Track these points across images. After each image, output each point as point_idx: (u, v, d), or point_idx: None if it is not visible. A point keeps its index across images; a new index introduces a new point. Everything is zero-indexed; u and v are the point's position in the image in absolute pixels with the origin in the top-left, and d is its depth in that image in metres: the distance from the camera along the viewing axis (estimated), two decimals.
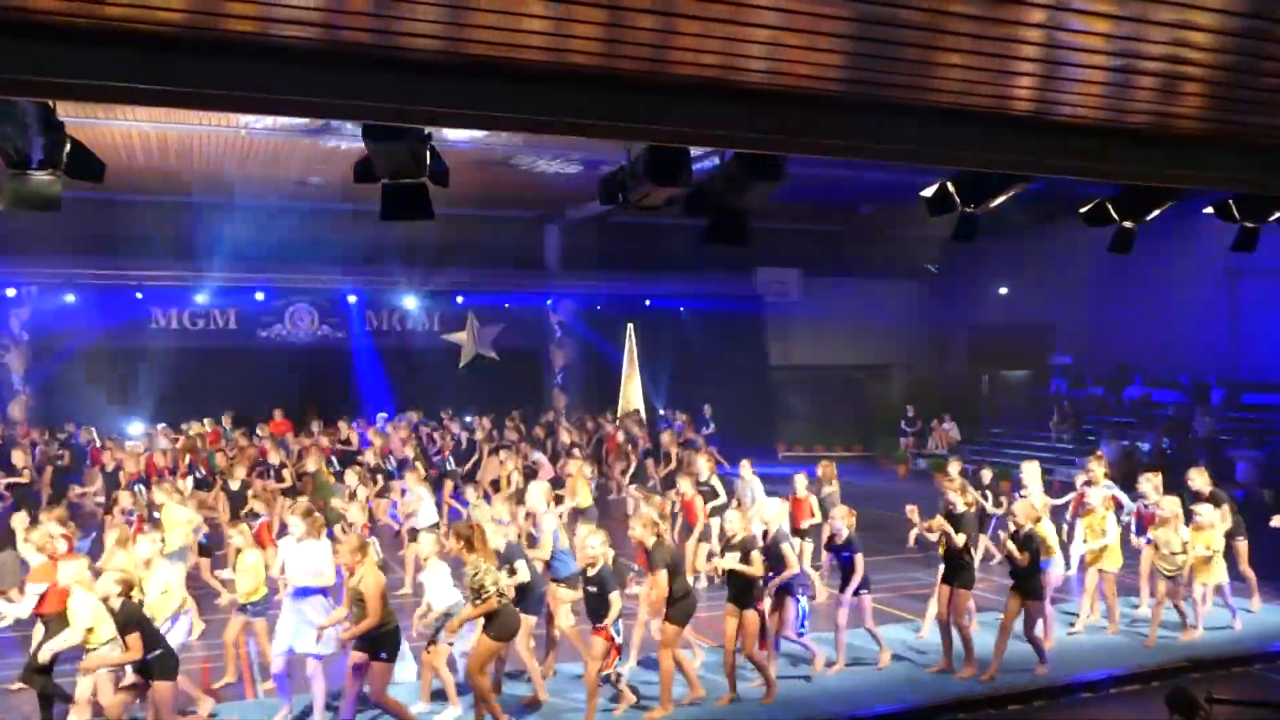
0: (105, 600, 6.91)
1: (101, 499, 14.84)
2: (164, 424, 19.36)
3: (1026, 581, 9.05)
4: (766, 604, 8.64)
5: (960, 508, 9.37)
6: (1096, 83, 6.91)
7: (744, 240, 8.29)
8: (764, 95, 6.85)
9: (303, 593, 8.14)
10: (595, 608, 7.90)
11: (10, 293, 21.25)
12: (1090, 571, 10.74)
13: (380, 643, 7.47)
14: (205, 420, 19.48)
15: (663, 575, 8.04)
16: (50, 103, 6.58)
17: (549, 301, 25.69)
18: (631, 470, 19.21)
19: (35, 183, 7.01)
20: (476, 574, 7.61)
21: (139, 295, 21.81)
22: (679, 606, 8.12)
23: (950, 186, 8.95)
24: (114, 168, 8.59)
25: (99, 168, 7.31)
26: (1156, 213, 9.41)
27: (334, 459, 15.78)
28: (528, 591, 8.53)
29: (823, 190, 21.17)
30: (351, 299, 23.69)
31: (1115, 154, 8.09)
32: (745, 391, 25.94)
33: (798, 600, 9.02)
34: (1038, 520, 9.40)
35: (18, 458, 15.32)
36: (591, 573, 7.91)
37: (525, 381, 25.41)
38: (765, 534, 9.02)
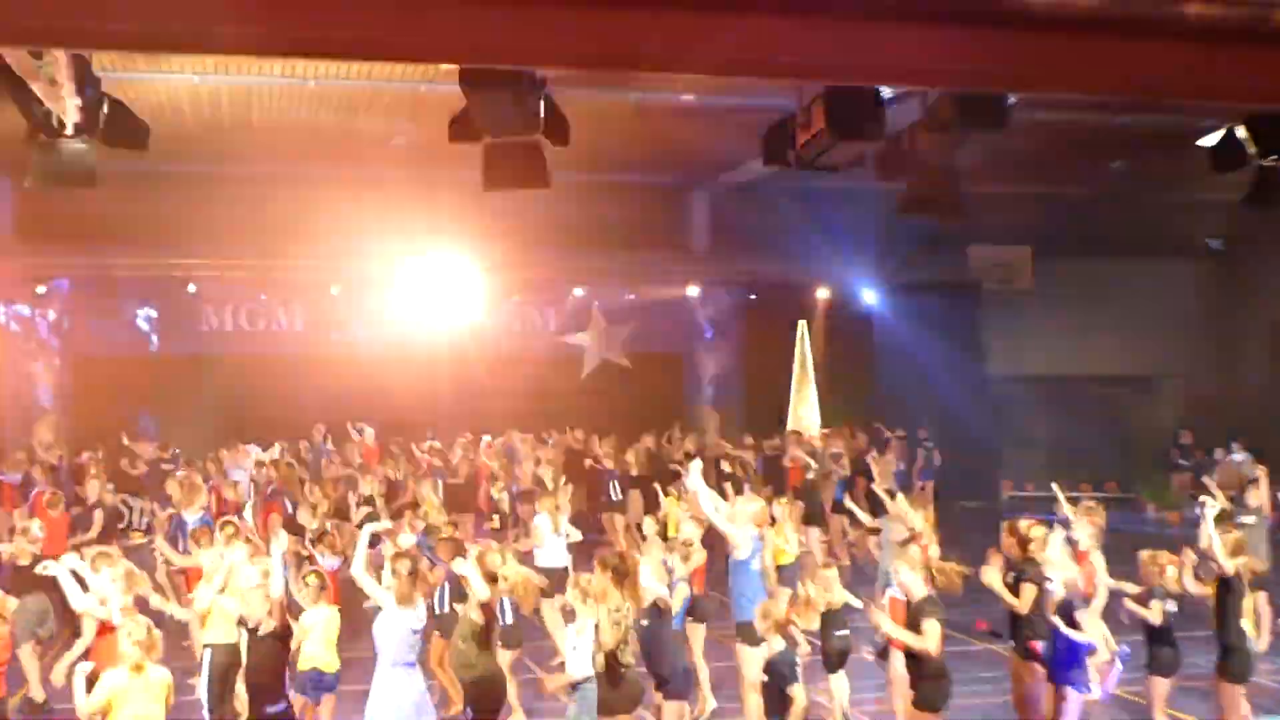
0: None
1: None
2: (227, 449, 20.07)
3: None
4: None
5: (1228, 568, 9.10)
6: None
7: (955, 209, 8.17)
8: (987, 15, 6.72)
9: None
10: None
11: (38, 289, 22.48)
12: None
13: None
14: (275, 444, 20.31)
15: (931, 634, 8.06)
16: (86, 54, 6.93)
17: (695, 292, 25.74)
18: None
19: (67, 153, 7.40)
20: (619, 619, 7.73)
21: (190, 289, 22.75)
22: (934, 686, 8.12)
23: (1242, 132, 8.60)
24: (158, 133, 8.95)
25: (143, 132, 7.70)
26: None
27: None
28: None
29: (1060, 141, 20.62)
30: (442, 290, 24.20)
31: None
32: (957, 410, 25.49)
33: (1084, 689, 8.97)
34: None
35: (91, 489, 16.20)
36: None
37: (664, 394, 25.63)
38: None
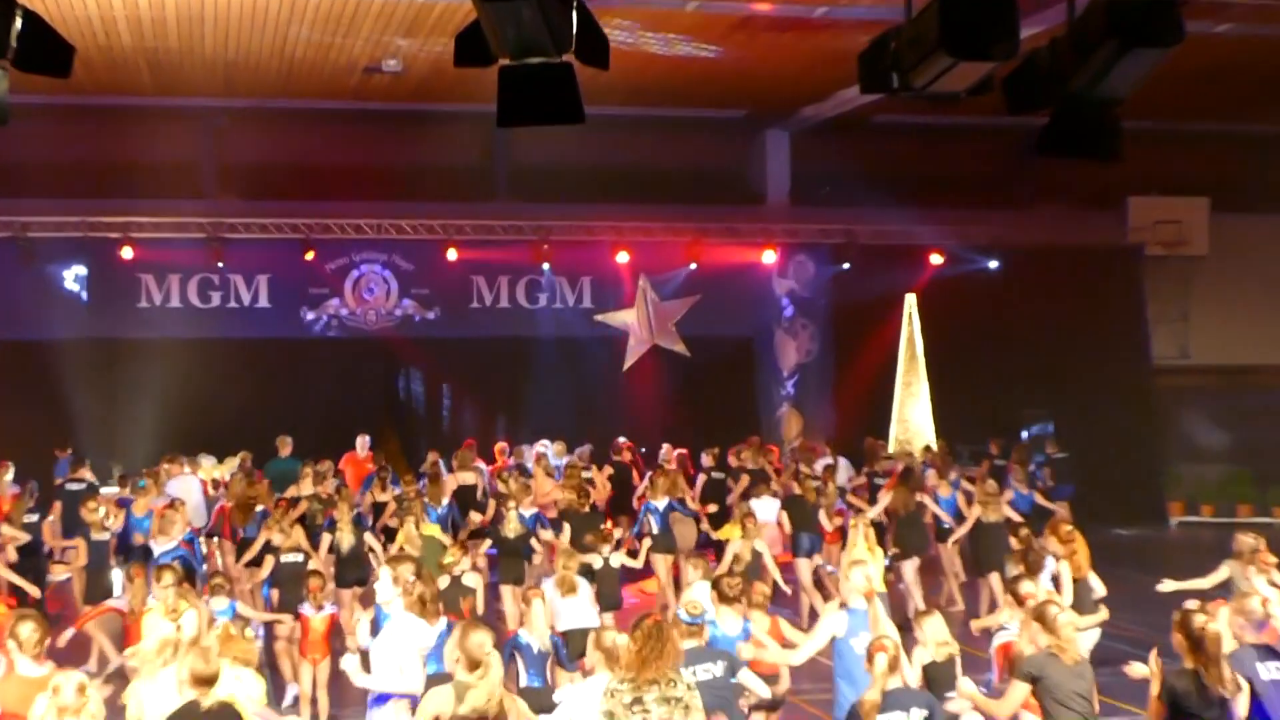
0: None
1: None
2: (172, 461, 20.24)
3: None
4: None
5: None
6: None
7: (1109, 150, 8.09)
8: None
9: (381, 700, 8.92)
10: None
11: None
12: None
13: None
14: (233, 457, 20.47)
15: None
16: None
17: (771, 258, 25.71)
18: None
19: None
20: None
21: (125, 254, 22.94)
22: None
23: None
24: (84, 56, 9.04)
25: (64, 55, 7.75)
26: None
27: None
28: None
29: (1246, 64, 20.42)
30: (450, 253, 24.31)
31: None
32: (1108, 408, 25.34)
33: None
34: None
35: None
36: None
37: (730, 391, 25.60)
38: None
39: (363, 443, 21.61)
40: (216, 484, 20.18)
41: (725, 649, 9.43)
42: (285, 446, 20.89)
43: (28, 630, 8.77)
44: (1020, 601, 10.04)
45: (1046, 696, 8.46)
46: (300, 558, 14.10)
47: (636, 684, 7.80)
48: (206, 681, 8.03)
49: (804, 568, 17.36)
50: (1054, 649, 8.53)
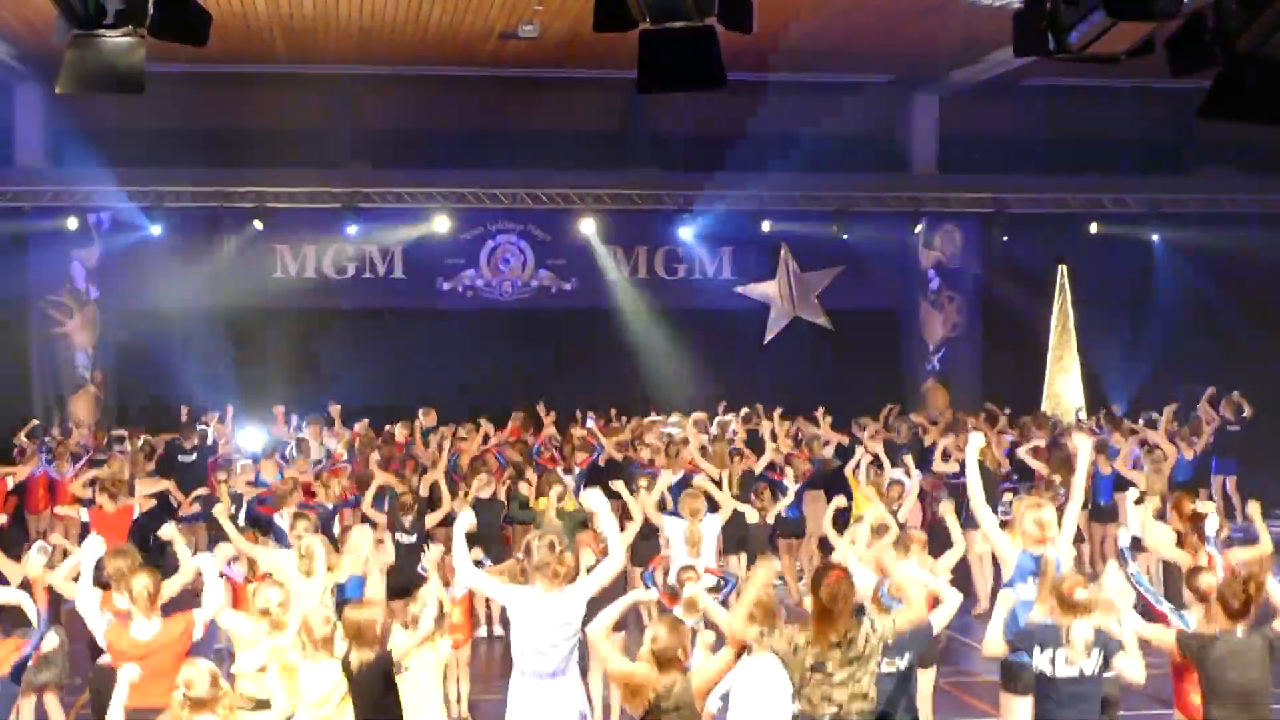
0: None
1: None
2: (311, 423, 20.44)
3: None
4: None
5: None
6: None
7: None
8: None
9: None
10: None
11: (70, 224, 23.03)
12: None
13: None
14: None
15: None
16: None
17: (919, 227, 25.39)
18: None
19: (107, 50, 7.45)
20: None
21: (257, 225, 23.18)
22: None
23: None
24: (219, 24, 8.96)
25: (202, 23, 7.68)
26: None
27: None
28: None
29: None
30: (586, 224, 24.26)
31: None
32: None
33: None
34: None
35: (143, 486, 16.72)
36: None
37: (875, 364, 25.43)
38: None
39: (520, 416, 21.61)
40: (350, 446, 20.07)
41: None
42: (429, 417, 20.91)
43: (141, 584, 8.92)
44: (1203, 597, 9.12)
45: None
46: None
47: (819, 647, 7.79)
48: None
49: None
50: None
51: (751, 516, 15.10)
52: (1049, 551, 9.78)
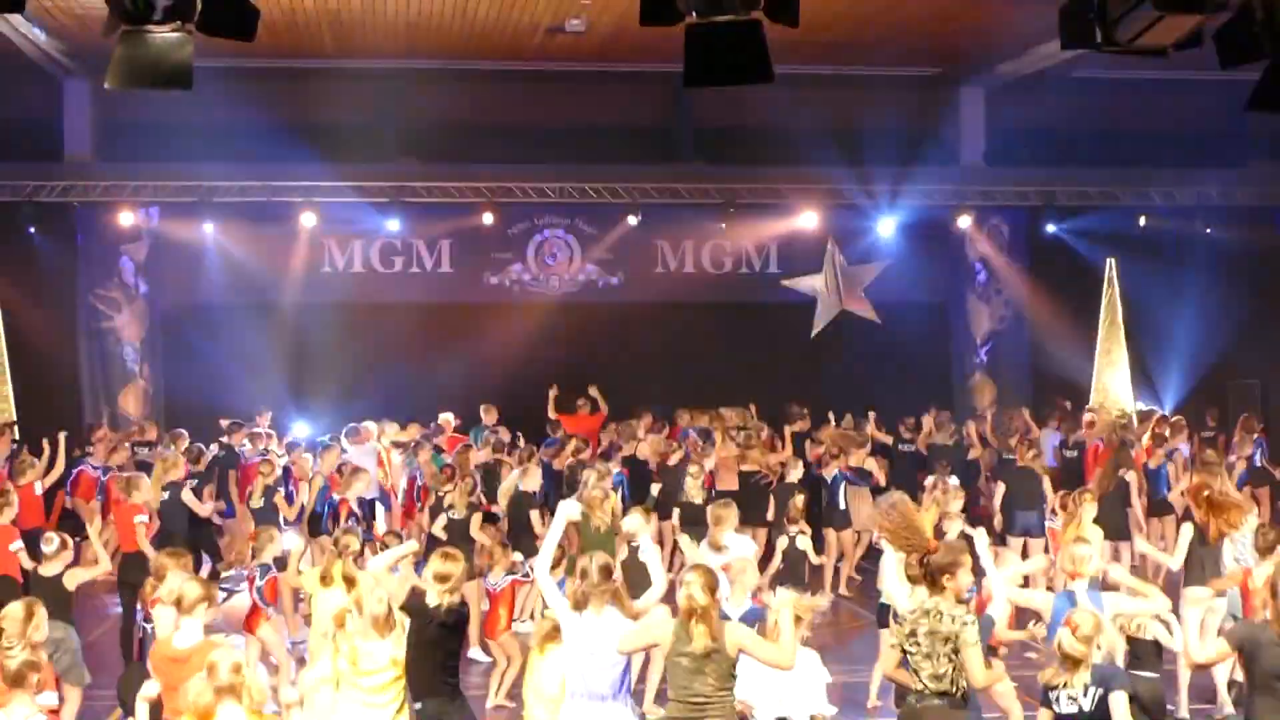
0: None
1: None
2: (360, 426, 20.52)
3: None
4: None
5: None
6: None
7: None
8: None
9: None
10: None
11: (120, 219, 23.21)
12: None
13: None
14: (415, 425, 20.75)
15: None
16: None
17: (966, 221, 25.32)
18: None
19: (157, 45, 7.55)
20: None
21: (307, 220, 23.33)
22: None
23: None
24: (266, 19, 9.07)
25: (250, 18, 7.79)
26: None
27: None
28: None
29: None
30: (632, 219, 24.33)
31: None
32: None
33: None
34: None
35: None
36: None
37: (922, 357, 25.48)
38: None
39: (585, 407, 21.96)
40: (400, 447, 20.09)
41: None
42: (490, 414, 20.98)
43: (193, 591, 8.88)
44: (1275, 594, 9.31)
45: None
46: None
47: (916, 613, 8.20)
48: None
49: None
50: None
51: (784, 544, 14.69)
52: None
